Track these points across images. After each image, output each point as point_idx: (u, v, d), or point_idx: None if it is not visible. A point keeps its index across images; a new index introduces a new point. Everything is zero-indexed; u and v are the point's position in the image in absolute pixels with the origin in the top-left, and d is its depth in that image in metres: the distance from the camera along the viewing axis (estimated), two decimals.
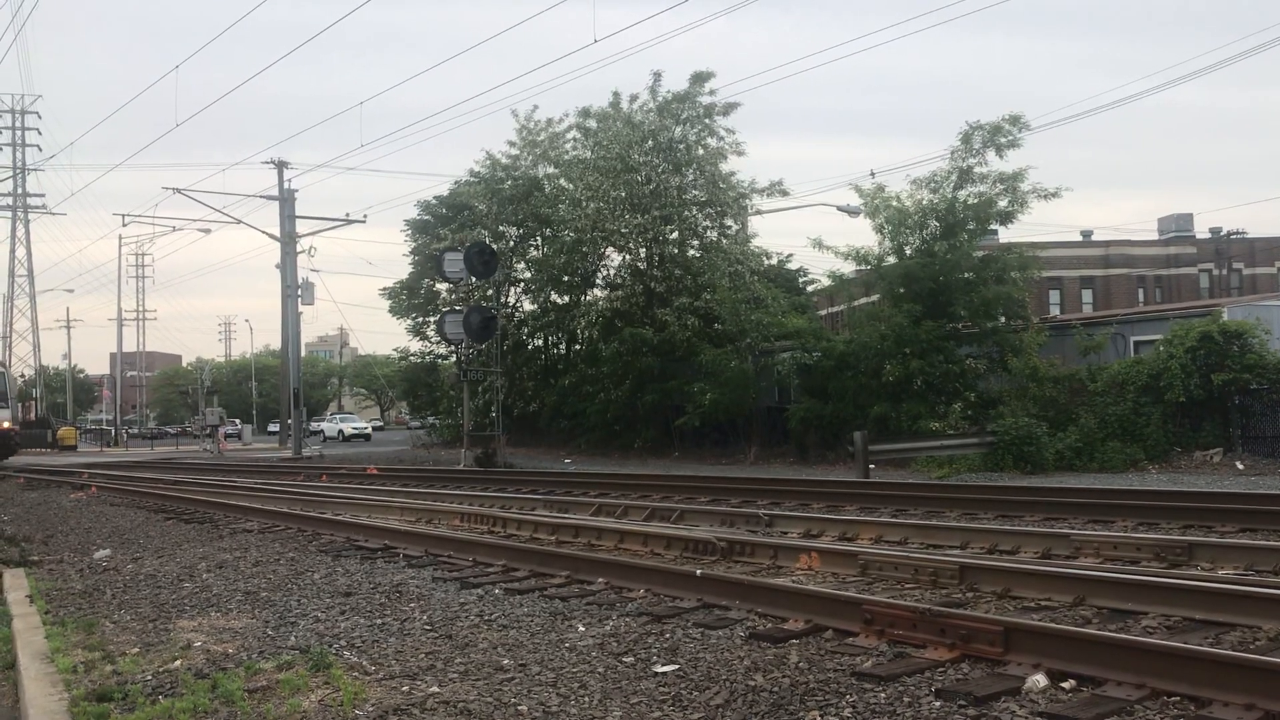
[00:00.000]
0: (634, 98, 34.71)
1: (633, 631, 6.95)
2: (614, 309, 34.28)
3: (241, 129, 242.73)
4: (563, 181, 37.70)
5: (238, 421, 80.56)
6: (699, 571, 8.32)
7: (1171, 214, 64.23)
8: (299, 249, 44.09)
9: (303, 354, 54.04)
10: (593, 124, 35.84)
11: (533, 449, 37.74)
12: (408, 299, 43.93)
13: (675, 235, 34.75)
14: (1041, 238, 35.19)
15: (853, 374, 26.46)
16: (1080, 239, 60.67)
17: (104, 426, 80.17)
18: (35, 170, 74.98)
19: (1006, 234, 28.71)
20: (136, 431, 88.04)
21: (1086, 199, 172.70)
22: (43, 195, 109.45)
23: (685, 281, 33.42)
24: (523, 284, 40.72)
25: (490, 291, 36.86)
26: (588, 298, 36.83)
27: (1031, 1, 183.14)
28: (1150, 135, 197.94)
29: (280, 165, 44.25)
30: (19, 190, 73.59)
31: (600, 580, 8.75)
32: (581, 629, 7.10)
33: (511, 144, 40.78)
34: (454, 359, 37.49)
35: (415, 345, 45.81)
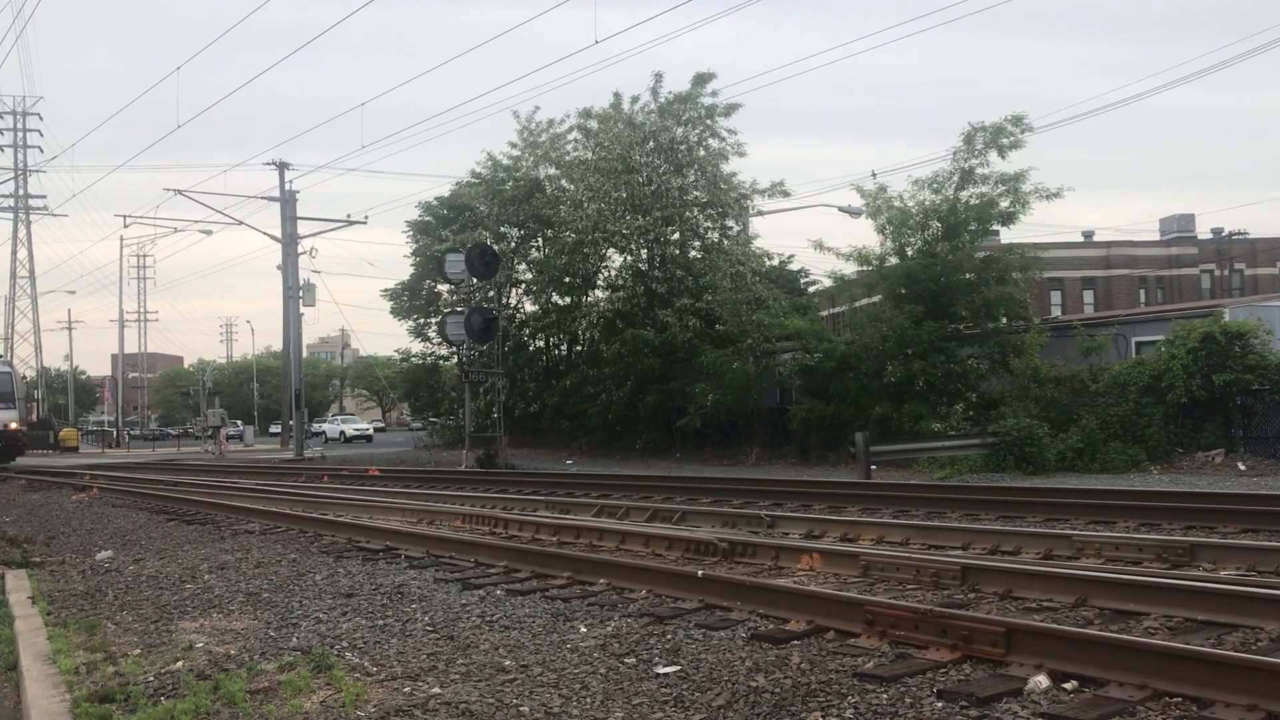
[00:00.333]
0: (635, 99, 34.77)
1: (634, 632, 6.95)
2: (615, 310, 34.27)
3: (243, 130, 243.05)
4: (564, 182, 37.70)
5: (239, 423, 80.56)
6: (701, 572, 8.32)
7: (1173, 214, 64.19)
8: (300, 250, 44.08)
9: (304, 355, 54.02)
10: (594, 125, 35.85)
11: (534, 450, 37.74)
12: (409, 300, 43.93)
13: (676, 236, 34.76)
14: (1043, 238, 35.21)
15: (854, 375, 26.46)
16: (1082, 240, 60.65)
17: (106, 428, 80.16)
18: (37, 171, 75.06)
19: (1008, 235, 28.74)
20: (138, 433, 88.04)
21: (1088, 200, 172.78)
22: (44, 197, 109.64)
23: (686, 282, 33.42)
24: (524, 285, 40.72)
25: (492, 293, 36.86)
26: (589, 299, 36.82)
27: (1032, 2, 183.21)
28: (1151, 136, 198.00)
29: (281, 166, 44.24)
30: (20, 191, 73.68)
31: (602, 581, 8.75)
32: (583, 630, 7.10)
33: (513, 145, 40.82)
34: (455, 360, 37.47)
35: (417, 346, 45.86)
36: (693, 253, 35.08)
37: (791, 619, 6.94)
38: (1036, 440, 21.22)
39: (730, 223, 35.28)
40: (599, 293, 36.95)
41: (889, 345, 25.46)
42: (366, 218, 54.63)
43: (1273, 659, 5.01)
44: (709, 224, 35.26)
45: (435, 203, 42.87)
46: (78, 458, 50.70)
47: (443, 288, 39.77)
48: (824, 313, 41.64)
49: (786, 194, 34.62)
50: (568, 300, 37.49)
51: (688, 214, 34.21)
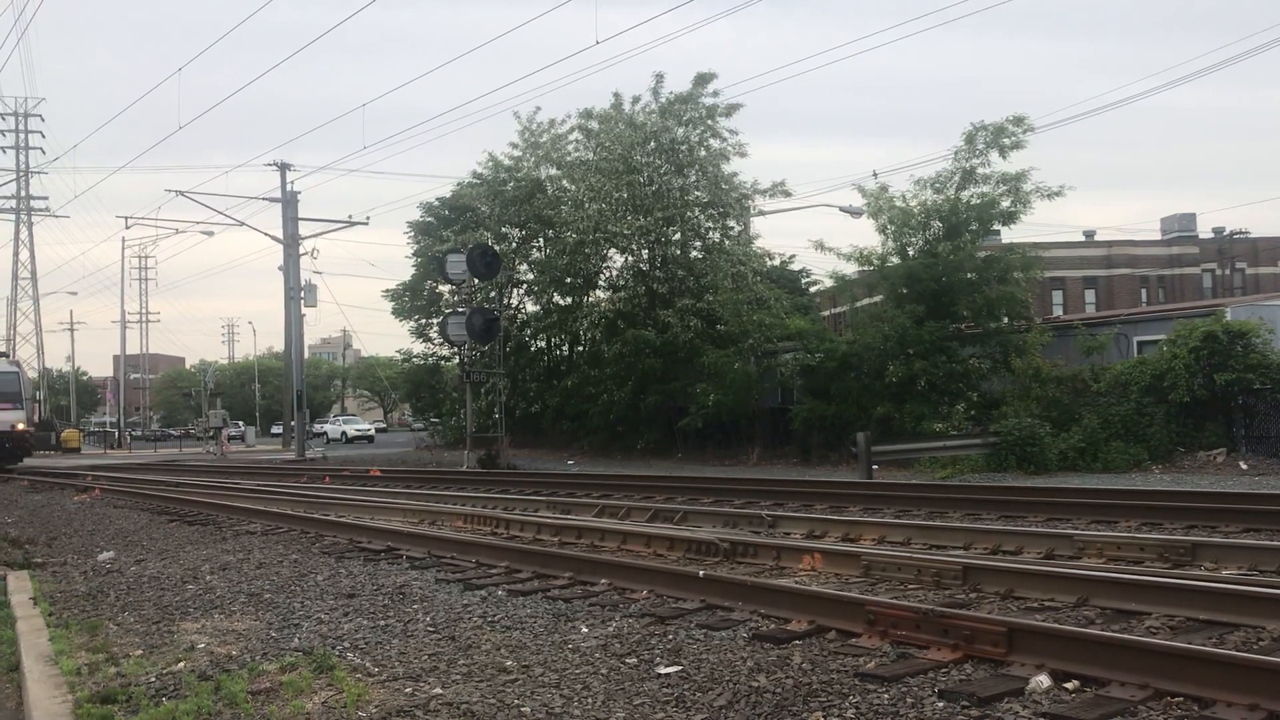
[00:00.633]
0: (636, 99, 34.78)
1: (636, 633, 6.95)
2: (617, 310, 34.28)
3: (244, 131, 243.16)
4: (565, 183, 37.71)
5: (241, 423, 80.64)
6: (702, 573, 8.32)
7: (1174, 214, 64.17)
8: (302, 251, 44.08)
9: (306, 356, 54.04)
10: (595, 125, 35.86)
11: (535, 450, 37.75)
12: (410, 301, 43.92)
13: (678, 236, 34.77)
14: (1044, 238, 35.26)
15: (856, 375, 26.46)
16: (1083, 239, 60.64)
17: (107, 429, 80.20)
18: (38, 173, 75.13)
19: (1009, 234, 28.73)
20: (140, 434, 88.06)
21: (1089, 199, 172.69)
22: (46, 198, 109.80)
23: (688, 283, 33.42)
24: (525, 285, 40.72)
25: (493, 293, 36.87)
26: (590, 299, 36.82)
27: (1033, 2, 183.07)
28: (1153, 135, 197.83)
29: (283, 167, 44.24)
30: (22, 193, 73.72)
31: (603, 581, 8.75)
32: (585, 630, 7.10)
33: (514, 145, 40.81)
34: (457, 361, 37.48)
35: (418, 347, 45.82)
36: (694, 253, 35.09)
37: (793, 619, 6.94)
38: (1038, 440, 21.21)
39: (731, 223, 35.30)
40: (600, 293, 36.96)
41: (890, 345, 25.45)
42: (368, 218, 54.75)
43: (1274, 659, 5.01)
44: (710, 224, 35.28)
45: (436, 203, 42.89)
46: (79, 459, 50.72)
47: (444, 288, 39.76)
48: (825, 313, 41.62)
49: (788, 194, 34.67)
50: (569, 301, 37.50)
51: (689, 214, 34.21)
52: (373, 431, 73.90)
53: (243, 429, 76.36)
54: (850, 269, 29.47)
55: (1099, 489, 15.42)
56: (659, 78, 34.07)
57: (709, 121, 33.81)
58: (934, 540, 10.62)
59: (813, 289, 42.89)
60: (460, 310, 32.78)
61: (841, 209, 34.56)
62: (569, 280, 36.35)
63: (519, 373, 38.53)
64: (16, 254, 74.59)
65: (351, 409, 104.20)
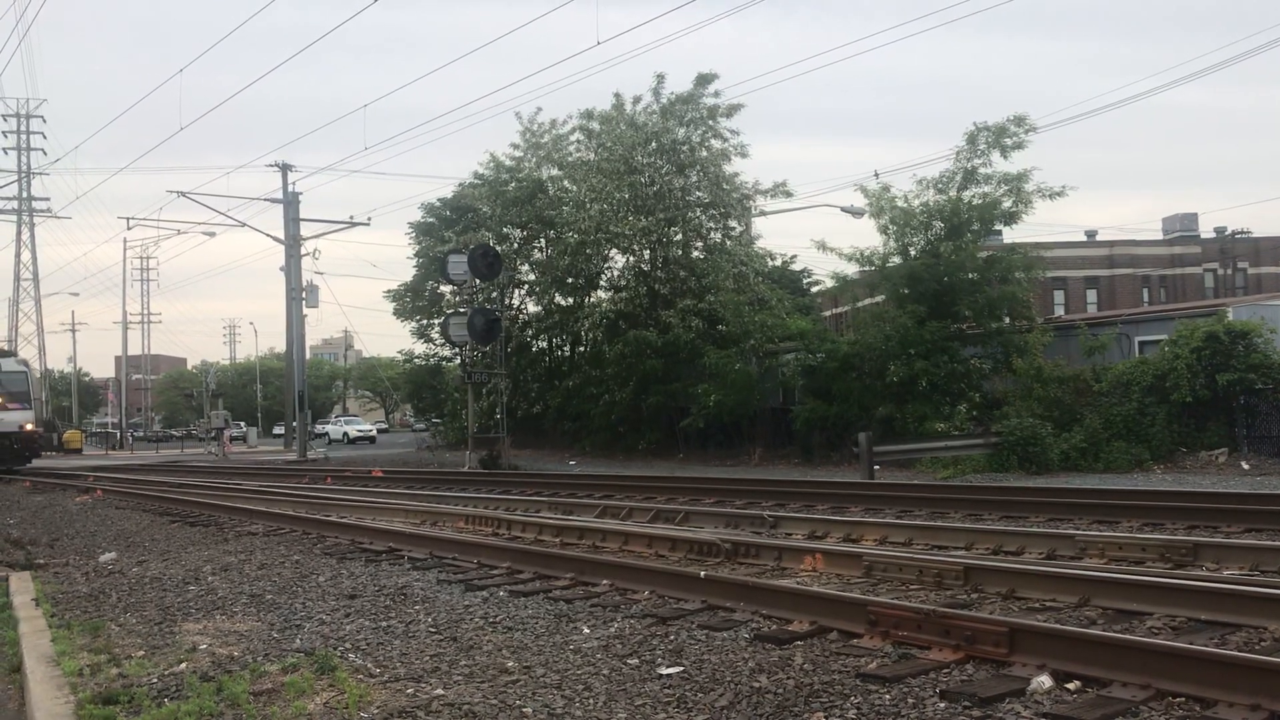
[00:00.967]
0: (637, 100, 34.79)
1: (637, 633, 6.95)
2: (618, 311, 34.30)
3: (246, 132, 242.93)
4: (566, 183, 37.72)
5: (243, 424, 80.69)
6: (703, 573, 8.32)
7: (1176, 214, 64.10)
8: (303, 252, 44.10)
9: (307, 356, 54.06)
10: (596, 126, 35.87)
11: (537, 451, 37.76)
12: (412, 301, 43.94)
13: (679, 237, 34.77)
14: (1046, 238, 35.18)
15: (857, 375, 26.46)
16: (1085, 239, 60.58)
17: (109, 429, 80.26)
18: (40, 174, 75.15)
19: (1011, 234, 28.73)
20: (142, 434, 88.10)
21: (1091, 199, 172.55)
22: (48, 199, 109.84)
23: (689, 283, 33.42)
24: (527, 286, 40.73)
25: (494, 294, 36.88)
26: (592, 299, 36.84)
27: (1035, 2, 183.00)
28: (1154, 135, 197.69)
29: (284, 168, 44.25)
30: (24, 194, 73.75)
31: (605, 582, 8.75)
32: (586, 631, 7.11)
33: (515, 146, 40.83)
34: (458, 361, 37.51)
35: (420, 348, 45.89)
36: (695, 253, 35.10)
37: (794, 620, 6.94)
38: (1040, 440, 21.21)
39: (733, 223, 35.30)
40: (601, 293, 36.97)
41: (892, 345, 25.45)
42: (369, 219, 54.78)
43: (1276, 659, 5.01)
44: (711, 225, 35.29)
45: (438, 204, 42.92)
46: (81, 459, 50.73)
47: (445, 289, 39.79)
48: (827, 313, 41.64)
49: (789, 194, 34.66)
50: (570, 301, 37.51)
51: (690, 215, 34.23)
52: (374, 432, 73.90)
53: (244, 430, 76.42)
54: (852, 269, 29.51)
55: (1100, 489, 15.42)
56: (660, 78, 34.14)
57: (710, 122, 33.82)
58: (936, 541, 10.62)
59: (814, 289, 42.93)
60: (462, 311, 32.81)
61: (843, 209, 34.50)
62: (570, 281, 36.37)
63: (520, 373, 38.55)
64: (18, 255, 74.62)
65: (353, 410, 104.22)
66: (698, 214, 34.58)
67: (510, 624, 7.44)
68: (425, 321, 43.85)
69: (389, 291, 45.06)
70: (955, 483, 18.97)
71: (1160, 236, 63.45)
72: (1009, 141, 25.71)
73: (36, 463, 37.36)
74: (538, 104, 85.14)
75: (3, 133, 71.46)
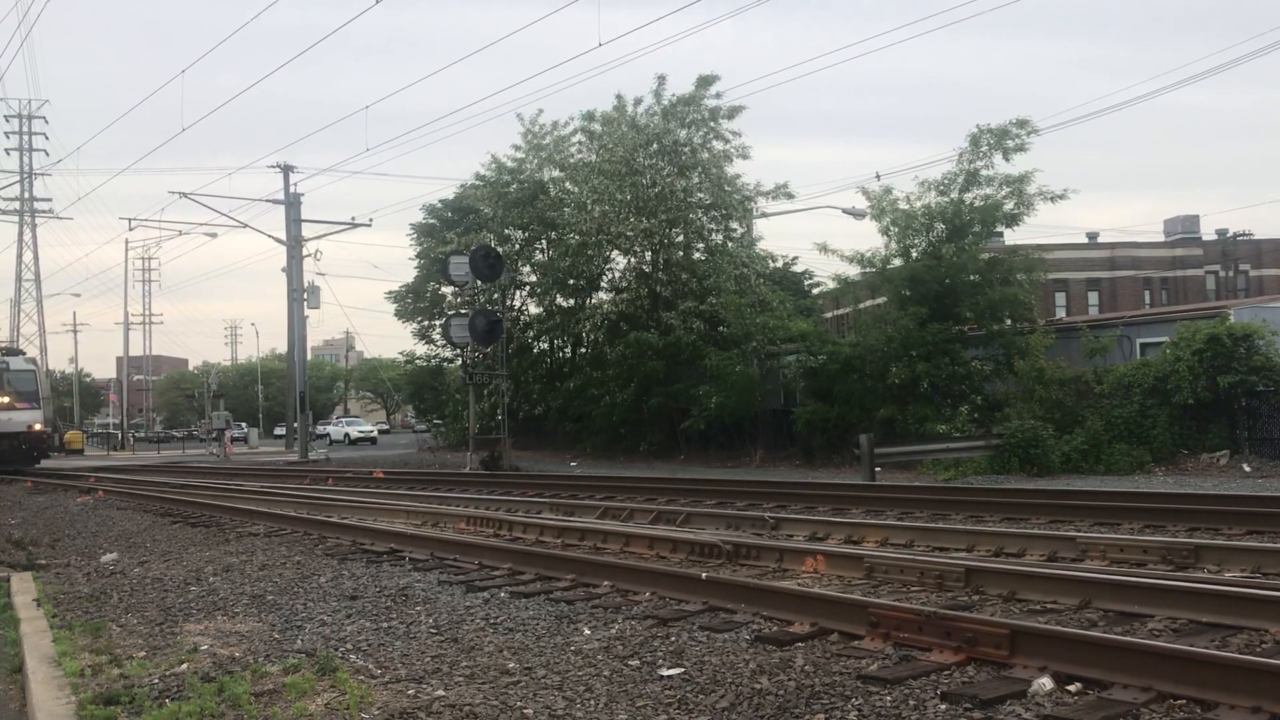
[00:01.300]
0: (638, 101, 34.76)
1: (638, 635, 6.95)
2: (619, 312, 34.29)
3: (247, 133, 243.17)
4: (568, 185, 37.71)
5: (244, 425, 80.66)
6: (704, 575, 8.32)
7: (1177, 216, 64.08)
8: (305, 253, 44.13)
9: (309, 357, 54.09)
10: (597, 127, 35.86)
11: (538, 452, 37.75)
12: (413, 302, 43.96)
13: (680, 238, 34.76)
14: (1047, 240, 35.19)
15: (859, 377, 26.45)
16: (1086, 241, 60.58)
17: (110, 430, 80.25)
18: (42, 175, 75.15)
19: (1012, 236, 28.68)
20: (143, 435, 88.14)
21: (1092, 201, 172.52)
22: (50, 200, 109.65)
23: (690, 285, 33.41)
24: (528, 287, 40.74)
25: (496, 295, 36.86)
26: (593, 301, 36.84)
27: (1037, 3, 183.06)
28: (1156, 137, 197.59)
29: (286, 169, 44.29)
30: (26, 194, 73.78)
31: (606, 583, 8.76)
32: (587, 632, 7.11)
33: (517, 147, 40.81)
34: (460, 362, 37.51)
35: (421, 349, 45.88)
36: (697, 255, 35.08)
37: (795, 621, 6.94)
38: (1041, 442, 21.19)
39: (734, 225, 35.27)
40: (603, 295, 36.98)
41: (893, 347, 25.44)
42: (371, 220, 54.78)
43: (1277, 662, 5.00)
44: (713, 226, 35.27)
45: (439, 205, 42.93)
46: (83, 460, 50.72)
47: (447, 290, 39.79)
48: (828, 315, 41.60)
49: (790, 196, 34.63)
50: (572, 302, 37.51)
51: (691, 216, 34.21)
52: (375, 433, 73.92)
53: (245, 430, 76.37)
54: (853, 271, 29.49)
55: (1102, 491, 15.42)
56: (661, 79, 34.11)
57: (711, 123, 33.81)
58: (937, 542, 10.62)
59: (815, 290, 42.89)
60: (463, 312, 32.81)
61: (844, 211, 34.55)
62: (572, 282, 36.37)
63: (522, 374, 38.55)
64: (20, 256, 74.60)
65: (354, 411, 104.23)
66: (699, 215, 34.57)
67: (511, 625, 7.44)
68: (426, 323, 43.87)
69: (390, 293, 45.13)
70: (956, 484, 18.96)
71: (1162, 238, 63.44)
72: (1011, 144, 25.71)
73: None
74: (539, 105, 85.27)
75: (5, 133, 71.50)
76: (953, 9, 35.87)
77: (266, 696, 5.69)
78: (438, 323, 41.78)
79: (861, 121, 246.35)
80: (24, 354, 42.14)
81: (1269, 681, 4.77)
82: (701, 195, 34.19)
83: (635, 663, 6.20)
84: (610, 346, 33.79)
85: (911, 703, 5.18)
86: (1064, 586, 7.45)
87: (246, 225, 46.19)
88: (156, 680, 6.15)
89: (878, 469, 19.94)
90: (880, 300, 29.37)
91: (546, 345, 40.77)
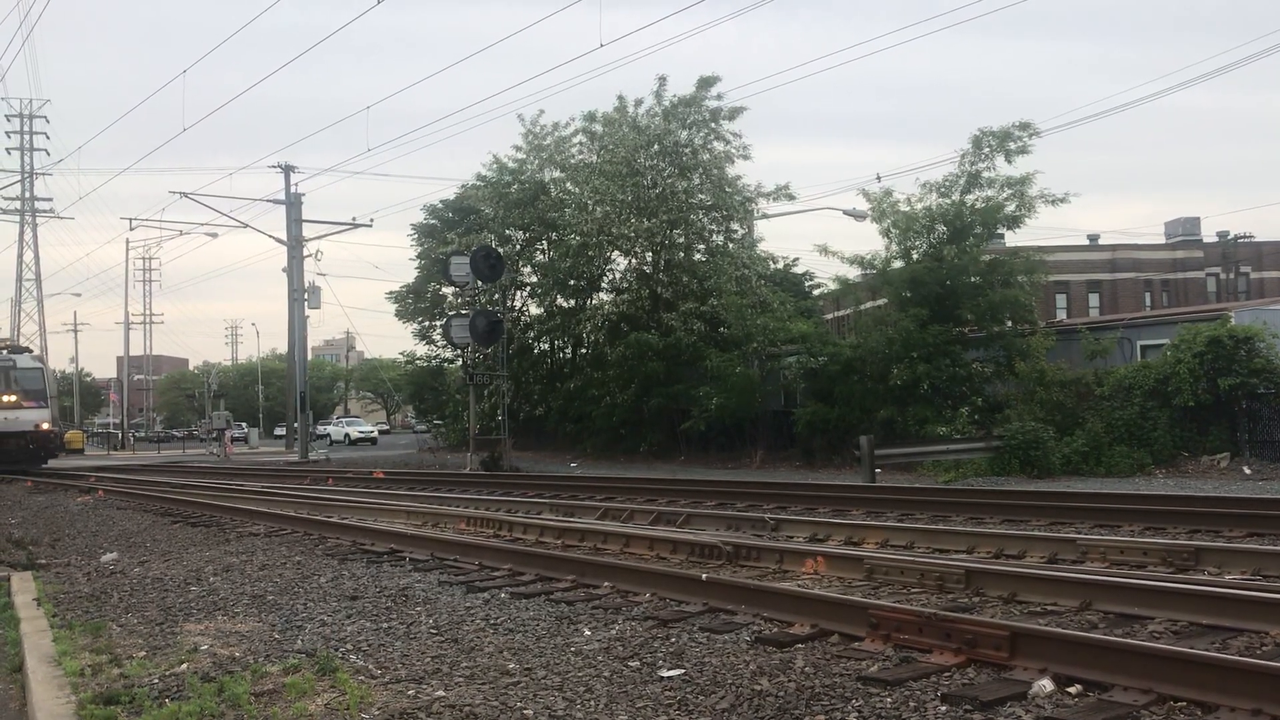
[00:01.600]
0: (639, 102, 34.76)
1: (638, 635, 6.95)
2: (620, 313, 34.29)
3: (249, 133, 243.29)
4: (569, 185, 37.71)
5: (244, 425, 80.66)
6: (705, 576, 8.32)
7: (1178, 218, 64.05)
8: (306, 253, 44.12)
9: (309, 358, 54.09)
10: (599, 128, 35.87)
11: (538, 453, 37.76)
12: (414, 303, 43.98)
13: (681, 239, 34.76)
14: (1048, 241, 35.17)
15: (859, 378, 26.44)
16: (1087, 243, 60.59)
17: (111, 430, 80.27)
18: (43, 174, 75.02)
19: (1013, 238, 28.73)
20: (143, 435, 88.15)
21: (1093, 203, 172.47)
22: (50, 199, 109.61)
23: (691, 286, 33.41)
24: (529, 288, 40.75)
25: (496, 295, 36.88)
26: (593, 302, 36.84)
27: (1038, 5, 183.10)
28: (1157, 139, 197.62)
29: (287, 169, 44.29)
30: (27, 194, 73.77)
31: (606, 584, 8.76)
32: (587, 633, 7.11)
33: (518, 148, 40.82)
34: (460, 363, 37.50)
35: (421, 349, 45.90)
36: (697, 256, 35.08)
37: (796, 622, 6.94)
38: (1042, 443, 21.18)
39: (735, 226, 35.27)
40: (603, 296, 36.98)
41: (894, 348, 25.43)
42: (372, 221, 54.73)
43: (1277, 664, 5.00)
44: (714, 227, 35.27)
45: (440, 205, 42.94)
46: (83, 460, 50.70)
47: (447, 290, 39.81)
48: (828, 316, 41.61)
49: (791, 197, 34.61)
50: (572, 303, 37.52)
51: (692, 217, 34.21)
52: (375, 433, 73.90)
53: (246, 430, 76.38)
54: (854, 273, 29.48)
55: (1102, 493, 15.41)
56: (662, 80, 34.10)
57: (712, 124, 33.81)
58: (937, 544, 10.62)
59: (816, 292, 42.89)
60: (464, 312, 32.81)
61: (845, 212, 34.55)
62: (572, 283, 36.37)
63: (522, 375, 38.55)
64: (20, 255, 74.62)
65: (354, 411, 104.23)
66: (700, 216, 34.56)
67: (512, 626, 7.44)
68: (427, 323, 43.89)
69: (391, 293, 45.17)
70: (957, 486, 18.96)
71: (1163, 240, 63.42)
72: (1013, 146, 25.70)
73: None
74: (541, 106, 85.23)
75: (6, 133, 71.51)
76: (954, 10, 35.92)
77: (266, 696, 5.69)
78: (438, 323, 41.80)
79: (862, 122, 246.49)
80: (31, 351, 41.30)
81: (1269, 684, 4.76)
82: (702, 196, 34.19)
83: (635, 664, 6.20)
84: (611, 347, 33.79)
85: (912, 704, 5.18)
86: (1064, 588, 7.45)
87: (247, 225, 46.19)
88: (156, 680, 6.15)
89: (878, 470, 19.93)
90: (881, 302, 29.36)
91: (547, 346, 40.78)
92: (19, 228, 73.63)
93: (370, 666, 6.37)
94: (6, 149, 72.66)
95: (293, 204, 44.25)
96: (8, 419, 33.81)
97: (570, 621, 7.52)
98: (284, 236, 44.19)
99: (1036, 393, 24.17)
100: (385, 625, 7.62)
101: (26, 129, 72.04)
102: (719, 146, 34.16)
